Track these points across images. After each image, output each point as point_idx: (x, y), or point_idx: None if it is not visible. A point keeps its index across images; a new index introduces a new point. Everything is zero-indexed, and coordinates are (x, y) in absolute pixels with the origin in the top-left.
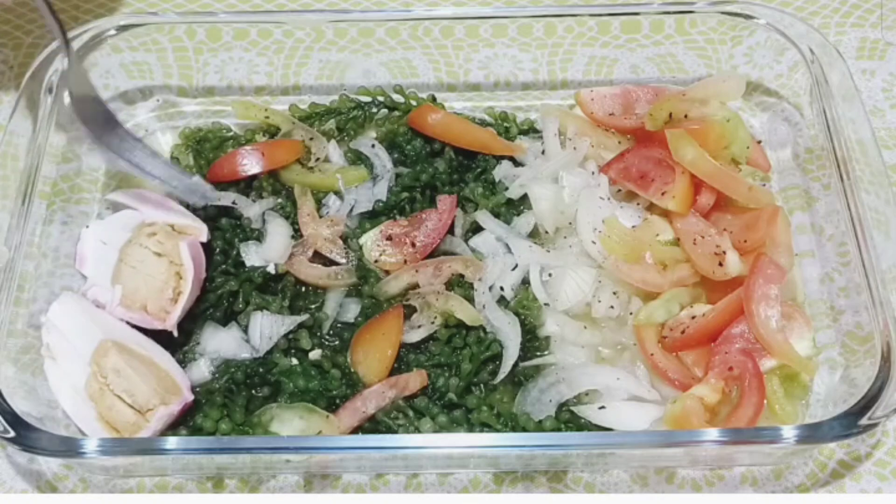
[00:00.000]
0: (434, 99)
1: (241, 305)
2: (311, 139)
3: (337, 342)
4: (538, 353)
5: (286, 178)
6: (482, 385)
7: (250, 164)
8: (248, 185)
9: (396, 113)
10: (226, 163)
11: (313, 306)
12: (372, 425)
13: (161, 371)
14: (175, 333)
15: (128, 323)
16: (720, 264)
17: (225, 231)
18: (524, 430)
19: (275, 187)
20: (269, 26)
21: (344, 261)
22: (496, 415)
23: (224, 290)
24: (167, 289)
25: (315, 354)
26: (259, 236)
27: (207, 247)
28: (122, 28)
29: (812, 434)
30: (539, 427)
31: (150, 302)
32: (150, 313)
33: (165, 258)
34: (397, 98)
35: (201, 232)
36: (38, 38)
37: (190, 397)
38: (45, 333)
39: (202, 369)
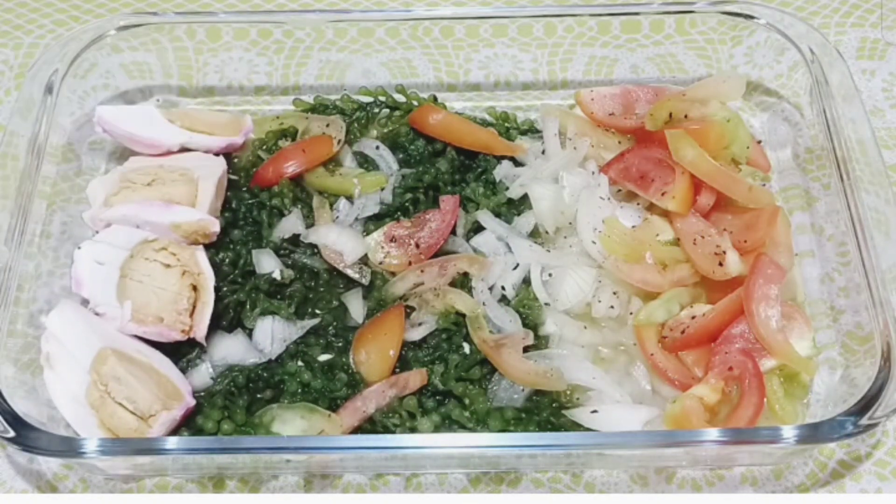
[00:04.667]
0: (435, 99)
1: (248, 312)
2: (328, 125)
3: (341, 343)
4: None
5: (309, 180)
6: (481, 383)
7: (293, 164)
8: (269, 194)
9: (397, 113)
10: (271, 166)
11: (319, 312)
12: (370, 425)
13: (162, 377)
14: (204, 343)
15: (139, 338)
16: (720, 264)
17: (237, 241)
18: (500, 411)
19: (296, 193)
20: (269, 26)
21: (358, 275)
22: (487, 402)
23: (231, 300)
24: (181, 299)
25: (325, 357)
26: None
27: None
28: (122, 28)
29: (812, 434)
30: (516, 413)
31: (165, 314)
32: (167, 325)
33: (176, 269)
34: (399, 98)
35: (213, 224)
36: (38, 38)
37: (192, 402)
38: (45, 343)
39: (203, 374)
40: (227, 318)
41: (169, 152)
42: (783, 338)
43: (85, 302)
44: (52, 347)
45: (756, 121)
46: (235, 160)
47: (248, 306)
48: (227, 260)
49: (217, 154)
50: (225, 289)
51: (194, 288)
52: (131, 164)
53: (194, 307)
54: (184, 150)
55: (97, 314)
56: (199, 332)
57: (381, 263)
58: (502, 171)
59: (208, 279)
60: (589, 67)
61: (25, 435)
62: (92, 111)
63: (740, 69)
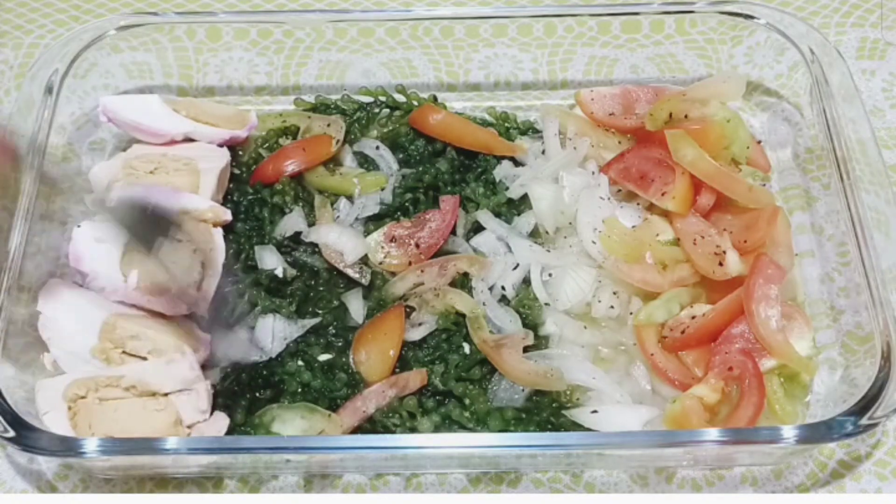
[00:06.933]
0: (435, 99)
1: (246, 307)
2: (329, 125)
3: (341, 343)
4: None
5: (310, 179)
6: (481, 383)
7: (293, 163)
8: (271, 192)
9: (398, 113)
10: (271, 164)
11: (321, 311)
12: (370, 425)
13: (172, 322)
14: (206, 315)
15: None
16: (720, 264)
17: (240, 235)
18: (500, 411)
19: (297, 192)
20: (269, 26)
21: (358, 275)
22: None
23: (231, 290)
24: (192, 272)
25: (325, 357)
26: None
27: None
28: (122, 28)
29: (812, 434)
30: (516, 413)
31: (173, 285)
32: (175, 295)
33: (188, 245)
34: (399, 98)
35: (224, 212)
36: (38, 38)
37: (208, 337)
38: (42, 329)
39: (212, 376)
40: (227, 309)
41: (173, 142)
42: (783, 338)
43: (82, 277)
44: (52, 333)
45: (756, 121)
46: (240, 153)
47: (246, 298)
48: (229, 252)
49: (220, 146)
50: (229, 279)
51: (203, 265)
52: (135, 151)
53: (200, 283)
54: (188, 139)
55: (91, 290)
56: (203, 305)
57: (381, 263)
58: (502, 171)
59: (219, 254)
60: (589, 67)
61: (25, 435)
62: (92, 111)
63: (740, 69)
